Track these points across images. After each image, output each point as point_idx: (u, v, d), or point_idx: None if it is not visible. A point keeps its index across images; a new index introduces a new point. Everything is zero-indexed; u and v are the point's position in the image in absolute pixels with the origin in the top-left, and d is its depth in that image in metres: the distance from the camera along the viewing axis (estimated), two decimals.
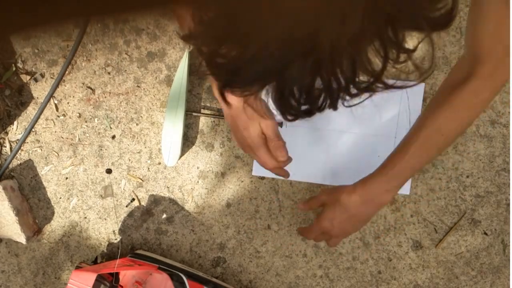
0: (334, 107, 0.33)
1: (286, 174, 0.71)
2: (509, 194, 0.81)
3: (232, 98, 0.62)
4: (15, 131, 0.84)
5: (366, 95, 0.33)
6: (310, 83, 0.30)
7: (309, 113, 0.34)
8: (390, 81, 0.32)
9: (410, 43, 0.31)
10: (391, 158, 0.64)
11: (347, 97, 0.32)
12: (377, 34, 0.28)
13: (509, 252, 0.82)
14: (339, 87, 0.30)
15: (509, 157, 0.81)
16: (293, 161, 0.82)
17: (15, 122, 0.83)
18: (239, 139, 0.68)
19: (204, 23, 0.29)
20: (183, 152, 0.83)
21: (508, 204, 0.82)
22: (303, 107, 0.33)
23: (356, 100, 0.33)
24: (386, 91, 0.32)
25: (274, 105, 0.33)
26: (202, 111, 0.82)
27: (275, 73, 0.30)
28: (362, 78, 0.31)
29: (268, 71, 0.30)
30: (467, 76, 0.56)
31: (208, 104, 0.82)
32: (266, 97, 0.33)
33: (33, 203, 0.85)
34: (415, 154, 0.61)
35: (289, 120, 0.35)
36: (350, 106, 0.34)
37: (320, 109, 0.33)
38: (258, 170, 0.82)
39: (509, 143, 0.80)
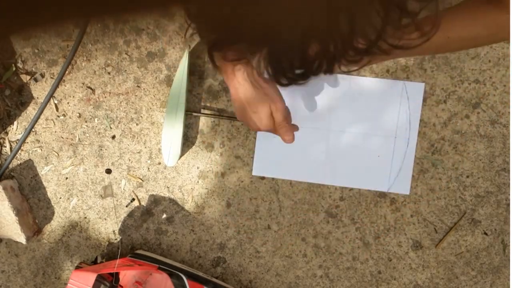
0: (330, 71, 0.31)
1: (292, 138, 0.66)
2: (509, 194, 0.81)
3: (239, 76, 0.60)
4: (15, 131, 0.84)
5: (365, 60, 0.30)
6: (304, 45, 0.28)
7: (303, 77, 0.32)
8: (391, 41, 0.30)
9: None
10: None
11: (345, 62, 0.30)
12: None
13: (509, 252, 0.82)
14: (336, 49, 0.28)
15: (509, 157, 0.81)
16: (293, 161, 0.82)
17: (15, 122, 0.83)
18: (247, 120, 0.64)
19: None
20: (183, 152, 0.83)
21: (508, 204, 0.82)
22: (298, 71, 0.31)
23: (354, 66, 0.31)
24: (385, 56, 0.30)
25: (267, 69, 0.31)
26: (202, 111, 0.82)
27: (265, 33, 0.28)
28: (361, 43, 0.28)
29: (257, 30, 0.28)
30: None
31: (208, 104, 0.82)
32: (258, 66, 0.32)
33: (33, 203, 0.85)
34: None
35: (284, 85, 0.33)
36: (348, 72, 0.32)
37: (315, 73, 0.31)
38: (258, 170, 0.82)
39: (509, 143, 0.80)
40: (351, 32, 0.27)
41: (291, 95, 0.80)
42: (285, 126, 0.63)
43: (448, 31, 0.53)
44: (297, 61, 0.30)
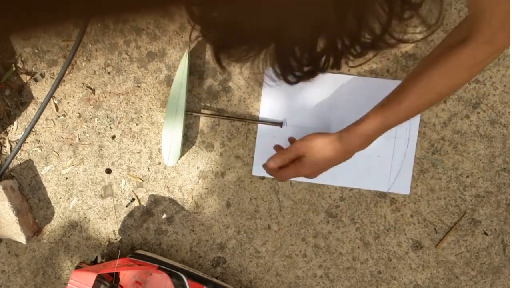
0: (338, 67, 0.32)
1: None
2: (509, 194, 0.81)
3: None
4: (15, 131, 0.84)
5: (370, 54, 0.31)
6: (312, 42, 0.29)
7: (312, 74, 0.32)
8: (396, 35, 0.31)
9: None
10: (382, 110, 0.62)
11: (351, 57, 0.31)
12: None
13: (509, 252, 0.82)
14: (343, 45, 0.29)
15: (509, 157, 0.81)
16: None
17: (15, 122, 0.83)
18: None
19: None
20: (183, 152, 0.83)
21: (508, 204, 0.82)
22: (306, 68, 0.31)
23: (360, 60, 0.31)
24: (391, 48, 0.31)
25: (275, 68, 0.32)
26: (202, 111, 0.82)
27: (273, 32, 0.28)
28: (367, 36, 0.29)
29: (265, 29, 0.28)
30: (466, 38, 0.54)
31: (208, 104, 0.82)
32: (265, 64, 0.32)
33: (33, 203, 0.85)
34: (407, 109, 0.60)
35: (291, 83, 0.33)
36: (355, 66, 0.33)
37: (323, 69, 0.32)
38: (258, 170, 0.82)
39: (509, 143, 0.80)
40: (358, 27, 0.28)
41: (291, 95, 0.80)
42: None
43: (435, 88, 0.58)
44: (305, 58, 0.30)
